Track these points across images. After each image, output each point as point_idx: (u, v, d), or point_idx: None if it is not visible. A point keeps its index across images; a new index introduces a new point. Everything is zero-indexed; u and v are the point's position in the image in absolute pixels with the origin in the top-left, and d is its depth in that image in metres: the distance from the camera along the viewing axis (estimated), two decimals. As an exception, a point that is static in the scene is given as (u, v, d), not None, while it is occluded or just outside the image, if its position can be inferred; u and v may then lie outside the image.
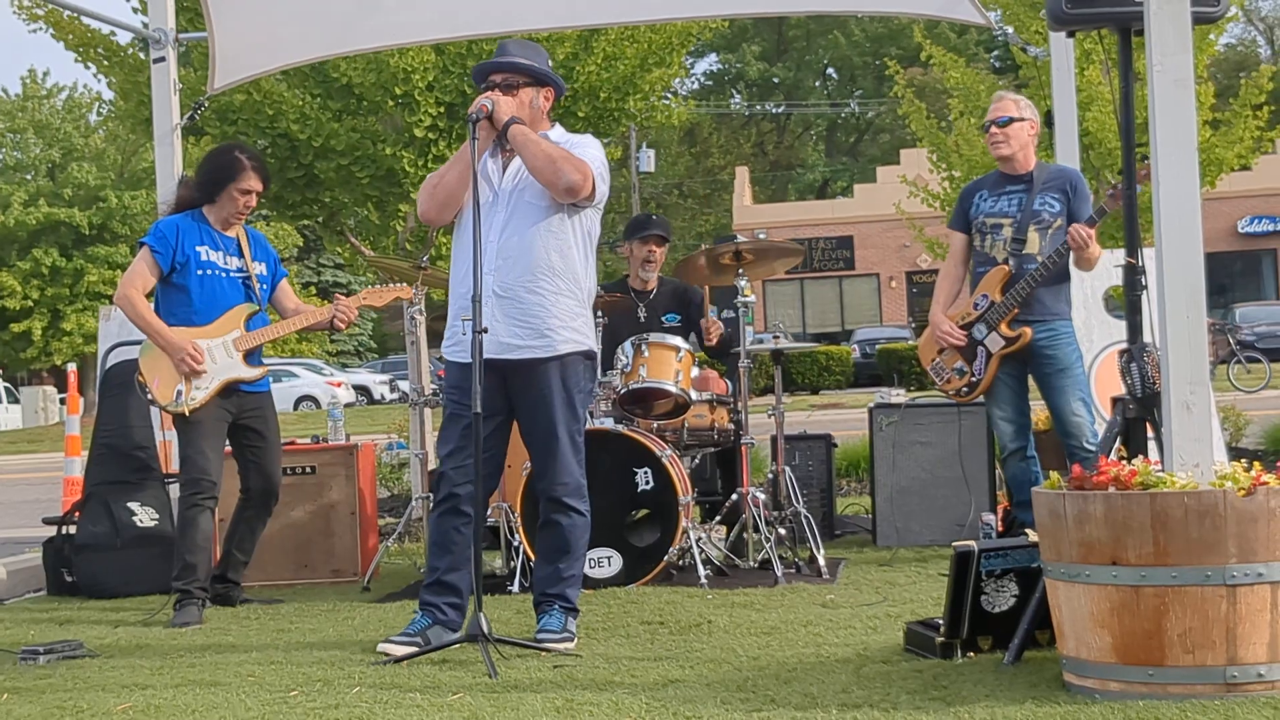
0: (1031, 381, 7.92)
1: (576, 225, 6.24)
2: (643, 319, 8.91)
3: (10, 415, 50.43)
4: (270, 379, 7.88)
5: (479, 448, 5.81)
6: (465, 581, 6.13)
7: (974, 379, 7.90)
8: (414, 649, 5.85)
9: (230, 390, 7.58)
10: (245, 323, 7.64)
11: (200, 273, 7.57)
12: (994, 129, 7.87)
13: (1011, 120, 7.83)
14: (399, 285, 8.11)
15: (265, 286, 7.84)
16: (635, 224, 9.25)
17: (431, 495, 6.43)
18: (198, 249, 7.59)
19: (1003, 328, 7.77)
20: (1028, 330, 7.74)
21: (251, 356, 7.67)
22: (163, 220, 7.76)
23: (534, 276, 6.10)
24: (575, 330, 6.21)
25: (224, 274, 7.66)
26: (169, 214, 7.80)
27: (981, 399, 8.03)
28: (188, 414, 7.44)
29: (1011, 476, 7.91)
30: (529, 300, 6.10)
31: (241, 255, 7.75)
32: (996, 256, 7.84)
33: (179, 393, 7.44)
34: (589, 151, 6.23)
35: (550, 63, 6.47)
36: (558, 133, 6.36)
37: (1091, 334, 8.87)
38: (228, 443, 7.71)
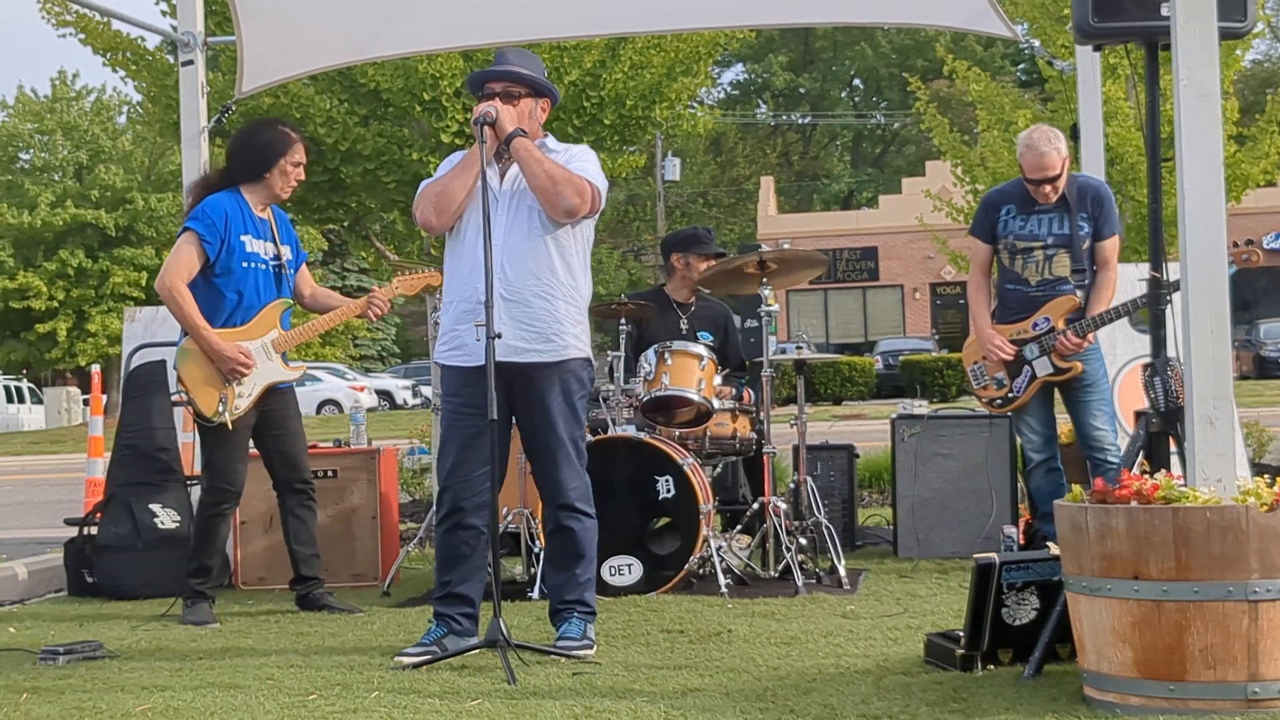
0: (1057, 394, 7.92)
1: (577, 233, 6.28)
2: (684, 330, 8.90)
3: (34, 415, 50.64)
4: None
5: (495, 451, 5.84)
6: (477, 591, 6.16)
7: (1011, 394, 7.88)
8: (430, 656, 5.85)
9: (267, 393, 7.40)
10: (280, 320, 7.43)
11: (245, 265, 7.30)
12: (1046, 188, 7.70)
13: (1060, 175, 7.69)
14: (429, 271, 7.79)
15: (292, 271, 7.57)
16: (693, 239, 9.17)
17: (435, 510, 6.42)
18: (242, 238, 7.30)
19: (1055, 357, 7.74)
20: (1079, 365, 7.73)
21: (286, 355, 7.48)
22: (207, 203, 7.33)
23: (540, 281, 6.12)
24: (577, 336, 6.24)
25: (263, 265, 7.39)
26: (203, 195, 7.42)
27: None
28: (231, 425, 7.23)
29: (1036, 489, 7.90)
30: (537, 305, 6.11)
31: (273, 239, 7.49)
32: (1029, 279, 7.82)
33: (222, 401, 7.21)
34: (587, 166, 6.25)
35: (558, 70, 6.46)
36: (551, 142, 6.39)
37: (1115, 348, 8.83)
38: (251, 443, 7.53)
